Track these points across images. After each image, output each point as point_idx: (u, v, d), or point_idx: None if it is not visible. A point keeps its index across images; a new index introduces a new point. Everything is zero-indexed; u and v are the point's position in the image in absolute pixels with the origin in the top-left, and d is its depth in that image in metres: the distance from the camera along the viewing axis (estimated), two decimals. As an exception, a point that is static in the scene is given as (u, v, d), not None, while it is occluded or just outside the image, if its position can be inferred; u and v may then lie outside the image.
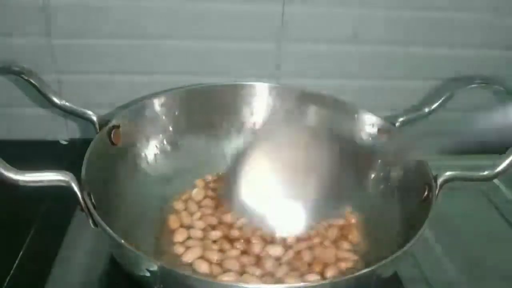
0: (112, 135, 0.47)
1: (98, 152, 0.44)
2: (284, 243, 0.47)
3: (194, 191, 0.52)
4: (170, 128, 0.53)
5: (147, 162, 0.52)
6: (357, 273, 0.36)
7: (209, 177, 0.54)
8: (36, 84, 0.45)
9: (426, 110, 0.51)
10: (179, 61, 0.60)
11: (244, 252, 0.46)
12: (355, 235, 0.49)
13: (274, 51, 0.60)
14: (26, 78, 0.45)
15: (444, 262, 0.50)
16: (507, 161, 0.43)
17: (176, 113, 0.53)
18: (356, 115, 0.53)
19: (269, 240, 0.47)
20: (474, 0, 0.59)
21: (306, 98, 0.55)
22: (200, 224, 0.49)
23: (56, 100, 0.46)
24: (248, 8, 0.57)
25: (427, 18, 0.60)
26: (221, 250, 0.46)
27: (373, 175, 0.52)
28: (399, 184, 0.49)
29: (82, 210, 0.39)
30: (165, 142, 0.53)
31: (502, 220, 0.56)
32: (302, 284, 0.42)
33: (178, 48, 0.59)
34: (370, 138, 0.53)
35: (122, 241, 0.36)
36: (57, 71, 0.58)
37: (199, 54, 0.59)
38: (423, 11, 0.59)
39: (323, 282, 0.42)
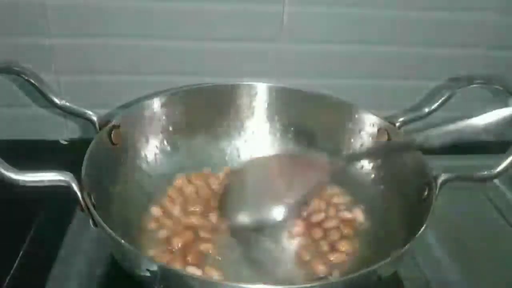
0: (112, 135, 0.47)
1: (98, 152, 0.44)
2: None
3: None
4: (170, 128, 0.53)
5: (147, 162, 0.52)
6: (357, 273, 0.36)
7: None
8: (36, 84, 0.45)
9: (426, 110, 0.51)
10: (179, 61, 0.60)
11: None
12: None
13: (274, 51, 0.60)
14: (26, 78, 0.45)
15: (444, 262, 0.50)
16: (507, 161, 0.43)
17: (176, 113, 0.53)
18: (356, 115, 0.53)
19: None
20: (475, 0, 0.59)
21: (306, 98, 0.55)
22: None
23: (56, 100, 0.46)
24: (248, 8, 0.57)
25: (427, 18, 0.60)
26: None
27: (373, 175, 0.52)
28: (399, 184, 0.49)
29: (82, 210, 0.39)
30: (165, 142, 0.53)
31: (502, 220, 0.56)
32: (302, 284, 0.42)
33: (178, 48, 0.59)
34: (370, 138, 0.53)
35: (122, 241, 0.36)
36: (57, 71, 0.59)
37: (199, 54, 0.59)
38: (423, 11, 0.59)
39: (323, 282, 0.42)
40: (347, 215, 0.50)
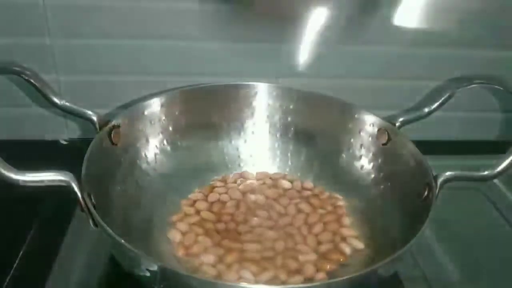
0: (112, 135, 0.47)
1: (98, 152, 0.44)
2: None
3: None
4: (170, 128, 0.53)
5: (147, 162, 0.52)
6: (357, 273, 0.36)
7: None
8: (36, 84, 0.45)
9: (426, 110, 0.51)
10: (179, 61, 0.60)
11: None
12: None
13: (273, 51, 0.60)
14: (26, 78, 0.45)
15: (444, 262, 0.50)
16: (507, 161, 0.43)
17: (176, 113, 0.53)
18: (356, 115, 0.53)
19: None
20: (475, 0, 0.59)
21: (306, 98, 0.55)
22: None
23: (56, 100, 0.46)
24: (248, 8, 0.57)
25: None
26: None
27: (373, 176, 0.52)
28: (399, 184, 0.49)
29: (82, 210, 0.39)
30: (165, 142, 0.53)
31: (502, 220, 0.56)
32: (302, 284, 0.42)
33: (178, 48, 0.59)
34: (370, 138, 0.53)
35: (122, 241, 0.36)
36: (57, 71, 0.58)
37: (199, 54, 0.59)
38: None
39: (323, 282, 0.42)
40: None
